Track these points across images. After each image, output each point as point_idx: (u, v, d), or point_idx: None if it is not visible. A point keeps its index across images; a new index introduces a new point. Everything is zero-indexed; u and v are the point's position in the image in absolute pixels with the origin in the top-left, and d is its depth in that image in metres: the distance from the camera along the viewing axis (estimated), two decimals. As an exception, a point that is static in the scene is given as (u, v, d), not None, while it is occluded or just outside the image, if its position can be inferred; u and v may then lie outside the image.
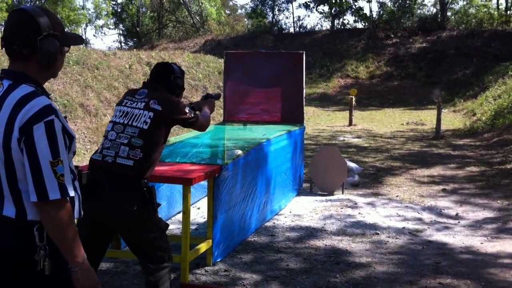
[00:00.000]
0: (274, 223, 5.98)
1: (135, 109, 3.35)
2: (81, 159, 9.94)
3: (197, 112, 3.68)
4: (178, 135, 9.95)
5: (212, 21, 36.18)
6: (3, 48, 2.06)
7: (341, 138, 13.41)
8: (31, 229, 1.98)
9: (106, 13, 33.76)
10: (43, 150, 1.92)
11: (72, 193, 1.99)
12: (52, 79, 12.16)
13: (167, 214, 5.93)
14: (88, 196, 3.10)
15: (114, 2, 37.94)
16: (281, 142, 6.56)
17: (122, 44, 41.09)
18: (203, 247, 4.51)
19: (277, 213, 6.34)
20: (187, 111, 3.45)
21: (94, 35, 66.74)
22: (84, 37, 39.77)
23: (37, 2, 30.49)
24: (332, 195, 7.30)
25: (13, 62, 2.04)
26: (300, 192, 7.46)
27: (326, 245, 5.23)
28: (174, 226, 5.75)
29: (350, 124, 16.22)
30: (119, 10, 38.55)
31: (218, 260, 4.71)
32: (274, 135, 6.42)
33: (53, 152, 1.93)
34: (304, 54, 7.74)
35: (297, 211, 6.49)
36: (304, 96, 7.70)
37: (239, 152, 5.37)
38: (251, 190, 5.44)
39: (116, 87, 14.08)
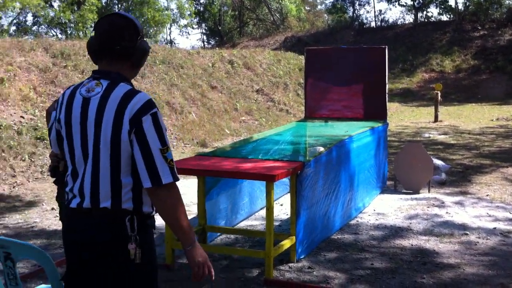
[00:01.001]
0: (357, 221, 5.90)
1: None
2: (167, 155, 10.27)
3: None
4: (261, 132, 10.05)
5: (292, 17, 36.18)
6: (98, 51, 2.18)
7: (426, 135, 13.00)
8: (123, 220, 2.10)
9: (189, 13, 34.56)
10: (153, 139, 2.06)
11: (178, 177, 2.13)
12: (139, 78, 12.58)
13: (250, 210, 6.01)
14: None
15: (196, 2, 38.80)
16: (364, 138, 6.46)
17: (205, 43, 41.95)
18: (286, 243, 4.53)
19: (361, 211, 6.26)
20: None
21: (179, 34, 68.77)
22: (169, 37, 40.98)
23: (125, 4, 31.74)
24: (418, 193, 7.10)
25: (110, 63, 2.17)
26: (384, 190, 7.31)
27: (412, 245, 5.09)
28: (258, 222, 5.82)
29: (436, 120, 15.69)
30: (201, 9, 39.38)
31: (301, 257, 4.72)
32: (356, 131, 6.34)
33: (161, 140, 2.07)
34: (386, 49, 7.56)
35: (381, 209, 6.37)
36: (387, 92, 7.53)
37: (321, 149, 5.34)
38: (334, 187, 5.40)
39: (199, 85, 14.41)
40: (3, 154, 8.20)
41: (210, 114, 13.48)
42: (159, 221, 5.97)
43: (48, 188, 7.57)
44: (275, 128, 9.64)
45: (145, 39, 2.25)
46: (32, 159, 8.43)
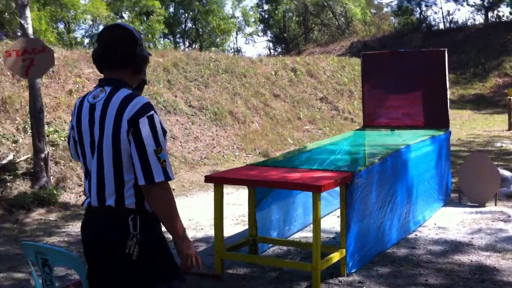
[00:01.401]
0: (416, 235, 5.69)
1: None
2: (230, 165, 10.26)
3: None
4: (316, 141, 9.93)
5: (357, 21, 35.63)
6: (100, 60, 2.36)
7: (498, 144, 12.40)
8: (126, 219, 2.23)
9: (253, 20, 34.82)
10: (148, 140, 2.21)
11: (173, 176, 2.26)
12: (203, 87, 12.61)
13: (304, 222, 5.93)
14: None
15: (261, 9, 39.01)
16: (423, 148, 6.24)
17: (271, 50, 42.07)
18: (335, 256, 4.43)
19: (421, 224, 6.03)
20: None
21: (245, 43, 69.34)
22: (235, 45, 41.55)
23: (191, 13, 32.40)
24: (484, 206, 6.76)
25: (111, 71, 2.36)
26: (448, 202, 7.01)
27: (471, 261, 4.85)
28: (311, 234, 5.73)
29: (510, 128, 14.94)
30: (266, 16, 39.55)
31: (352, 271, 4.60)
32: (414, 140, 6.12)
33: (156, 141, 2.23)
34: (446, 52, 7.22)
35: (443, 223, 6.11)
36: (448, 98, 7.22)
37: (375, 159, 5.19)
38: (389, 199, 5.23)
39: (262, 94, 14.44)
40: (70, 164, 8.53)
41: (273, 123, 13.47)
42: (207, 232, 5.97)
43: (110, 196, 7.80)
44: (332, 136, 9.49)
45: (144, 46, 2.41)
46: (97, 168, 8.73)
